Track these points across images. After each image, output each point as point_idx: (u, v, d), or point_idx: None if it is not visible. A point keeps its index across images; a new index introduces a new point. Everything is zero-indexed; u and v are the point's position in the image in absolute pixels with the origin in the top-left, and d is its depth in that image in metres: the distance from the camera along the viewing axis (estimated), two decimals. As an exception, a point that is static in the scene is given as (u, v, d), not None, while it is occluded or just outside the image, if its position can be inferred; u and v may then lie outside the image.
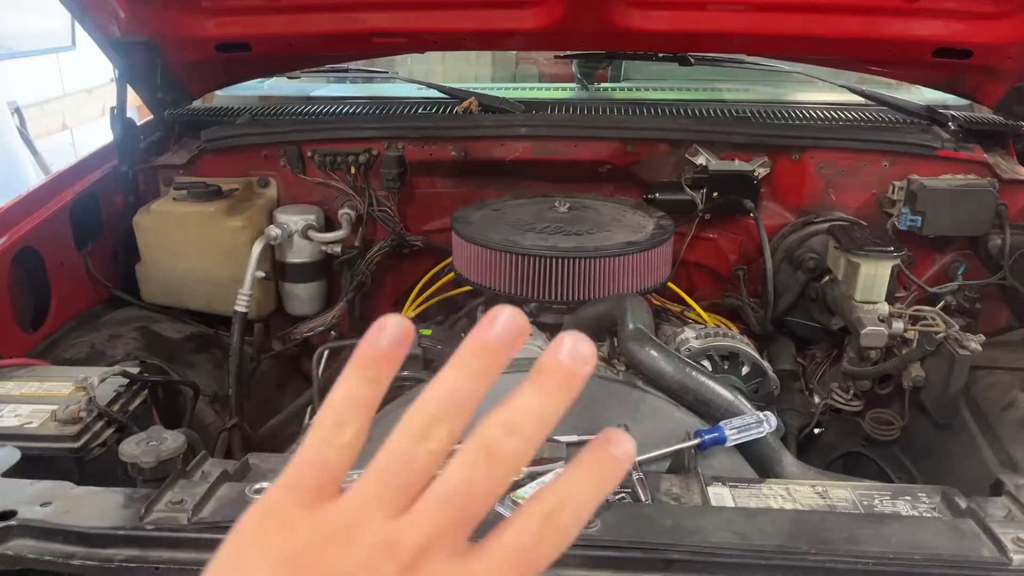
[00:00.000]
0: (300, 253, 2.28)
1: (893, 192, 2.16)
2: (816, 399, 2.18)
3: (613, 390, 1.34)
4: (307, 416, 2.08)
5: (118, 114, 2.16)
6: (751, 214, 2.17)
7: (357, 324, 2.41)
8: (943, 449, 1.86)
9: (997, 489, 1.58)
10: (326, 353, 2.14)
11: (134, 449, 1.12)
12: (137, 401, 1.43)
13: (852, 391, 2.03)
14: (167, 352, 2.02)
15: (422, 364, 1.64)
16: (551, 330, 1.83)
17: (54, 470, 1.21)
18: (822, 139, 2.21)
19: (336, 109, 2.52)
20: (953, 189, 2.05)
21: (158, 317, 2.18)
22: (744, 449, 1.33)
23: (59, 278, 1.98)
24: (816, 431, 2.21)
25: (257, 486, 1.04)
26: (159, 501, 1.02)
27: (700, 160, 2.22)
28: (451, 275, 2.19)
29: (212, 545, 0.98)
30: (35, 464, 1.20)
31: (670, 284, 2.13)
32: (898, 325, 1.83)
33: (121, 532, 0.99)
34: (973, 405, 1.85)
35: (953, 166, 2.16)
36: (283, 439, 2.11)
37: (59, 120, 6.27)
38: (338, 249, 2.28)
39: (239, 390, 2.01)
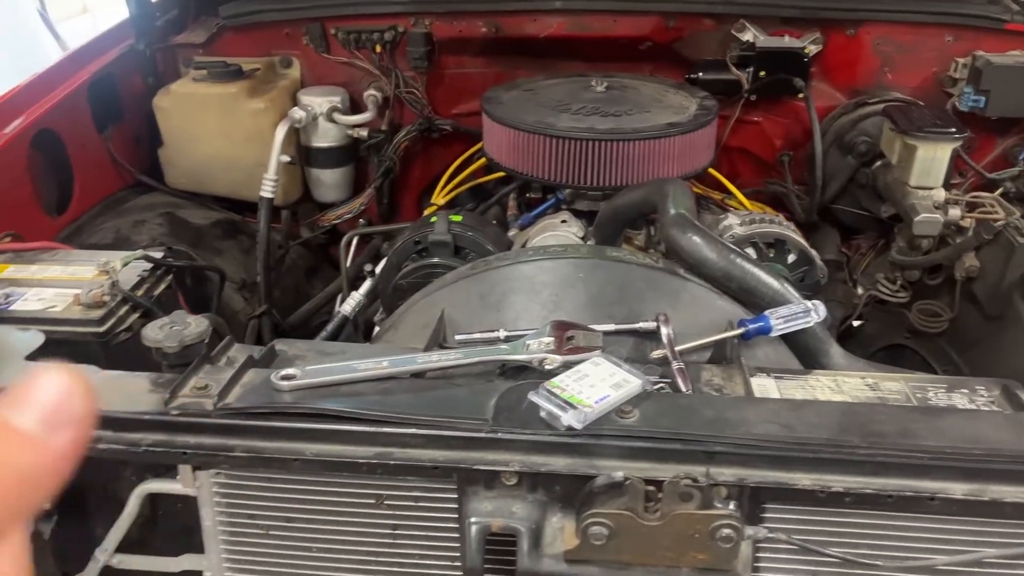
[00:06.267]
0: (325, 137, 2.20)
1: (955, 70, 2.02)
2: (859, 290, 2.10)
3: (652, 277, 1.28)
4: (336, 304, 2.06)
5: (132, -12, 2.05)
6: (800, 94, 2.04)
7: (385, 211, 2.35)
8: (993, 341, 1.79)
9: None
10: (355, 240, 2.11)
11: (157, 334, 1.08)
12: (161, 286, 1.39)
13: (899, 282, 1.95)
14: (193, 238, 1.98)
15: (452, 251, 1.59)
16: (587, 218, 1.75)
17: (79, 354, 1.19)
18: (881, 11, 2.05)
19: (360, -18, 2.38)
20: (1022, 66, 1.90)
21: (183, 203, 2.14)
22: (789, 340, 1.27)
23: (81, 162, 1.94)
24: (855, 323, 2.15)
25: (283, 372, 1.01)
26: (184, 386, 0.99)
27: (747, 36, 2.08)
28: (482, 161, 2.11)
29: (238, 431, 0.97)
30: (59, 348, 1.18)
31: (711, 170, 2.03)
32: (955, 212, 1.73)
33: (147, 417, 0.97)
34: (1027, 296, 1.77)
35: (1022, 41, 2.00)
36: (313, 327, 2.09)
37: (79, 2, 6.10)
38: (364, 133, 2.20)
39: (268, 277, 1.98)
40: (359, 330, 1.88)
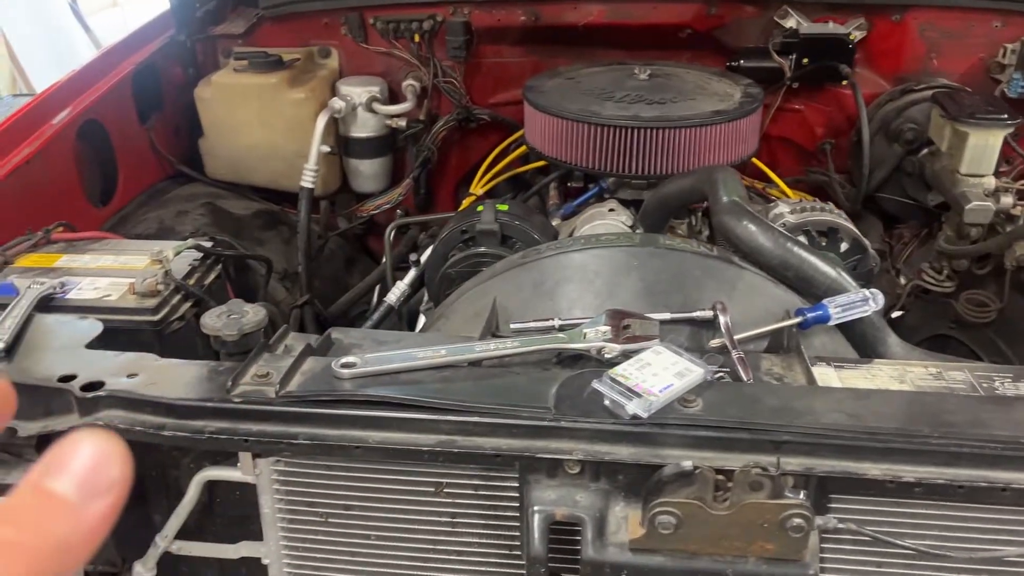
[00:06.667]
0: (364, 127, 2.20)
1: (1004, 56, 1.98)
2: (902, 280, 2.07)
3: (707, 265, 1.26)
4: (375, 294, 2.06)
5: (173, -22, 2.06)
6: (845, 81, 2.01)
7: (422, 202, 2.35)
8: (1044, 332, 1.76)
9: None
10: (394, 231, 2.11)
11: (216, 322, 1.09)
12: (212, 275, 1.40)
13: (946, 272, 1.92)
14: (235, 228, 1.99)
15: (499, 240, 1.58)
16: (631, 207, 1.74)
17: (134, 343, 1.19)
18: None
19: (398, -29, 2.38)
20: (1075, 51, 1.86)
21: (223, 193, 2.15)
22: (844, 329, 1.25)
23: (125, 152, 1.95)
24: (895, 314, 2.12)
25: (344, 360, 1.01)
26: (245, 374, 1.00)
27: (790, 23, 2.05)
28: (519, 151, 2.10)
29: (300, 418, 0.97)
30: (115, 337, 1.18)
31: (753, 159, 2.01)
32: (1007, 199, 1.70)
33: (209, 404, 0.97)
34: (1080, 286, 1.74)
35: (1074, 26, 1.96)
36: (352, 317, 2.10)
37: (110, -6, 6.15)
38: (403, 123, 2.20)
39: (308, 267, 1.98)
40: (403, 320, 1.88)
